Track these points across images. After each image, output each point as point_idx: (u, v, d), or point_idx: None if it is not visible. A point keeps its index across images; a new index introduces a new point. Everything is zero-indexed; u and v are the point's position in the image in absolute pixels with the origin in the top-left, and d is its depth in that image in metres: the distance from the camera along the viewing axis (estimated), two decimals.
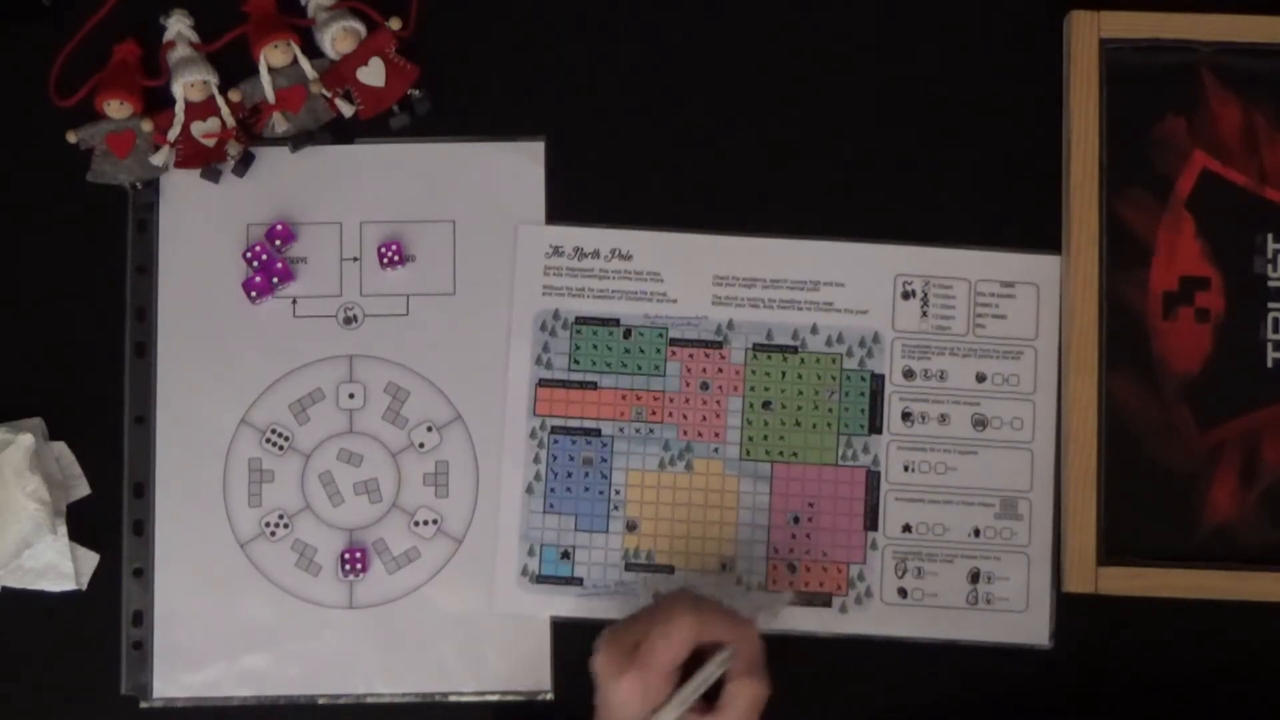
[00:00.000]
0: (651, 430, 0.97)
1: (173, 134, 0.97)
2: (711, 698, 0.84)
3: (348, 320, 0.98)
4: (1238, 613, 0.95)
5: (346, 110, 0.98)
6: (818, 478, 0.96)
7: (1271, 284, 0.96)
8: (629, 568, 0.96)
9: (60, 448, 0.97)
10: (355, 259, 0.99)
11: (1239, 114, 0.97)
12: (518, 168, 0.99)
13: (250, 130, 0.98)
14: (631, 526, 0.96)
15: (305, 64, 0.98)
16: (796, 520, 0.96)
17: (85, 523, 0.96)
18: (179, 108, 0.97)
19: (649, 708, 0.82)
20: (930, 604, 0.96)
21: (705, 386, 0.97)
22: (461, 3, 1.00)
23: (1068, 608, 0.95)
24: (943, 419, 0.97)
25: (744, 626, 0.85)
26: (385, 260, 0.97)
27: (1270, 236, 0.96)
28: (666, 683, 0.83)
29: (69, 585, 0.95)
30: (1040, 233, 0.98)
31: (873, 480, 0.96)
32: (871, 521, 0.96)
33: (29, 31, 0.99)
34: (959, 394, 0.97)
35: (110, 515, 0.97)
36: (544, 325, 0.98)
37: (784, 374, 0.97)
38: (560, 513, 0.96)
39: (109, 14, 0.99)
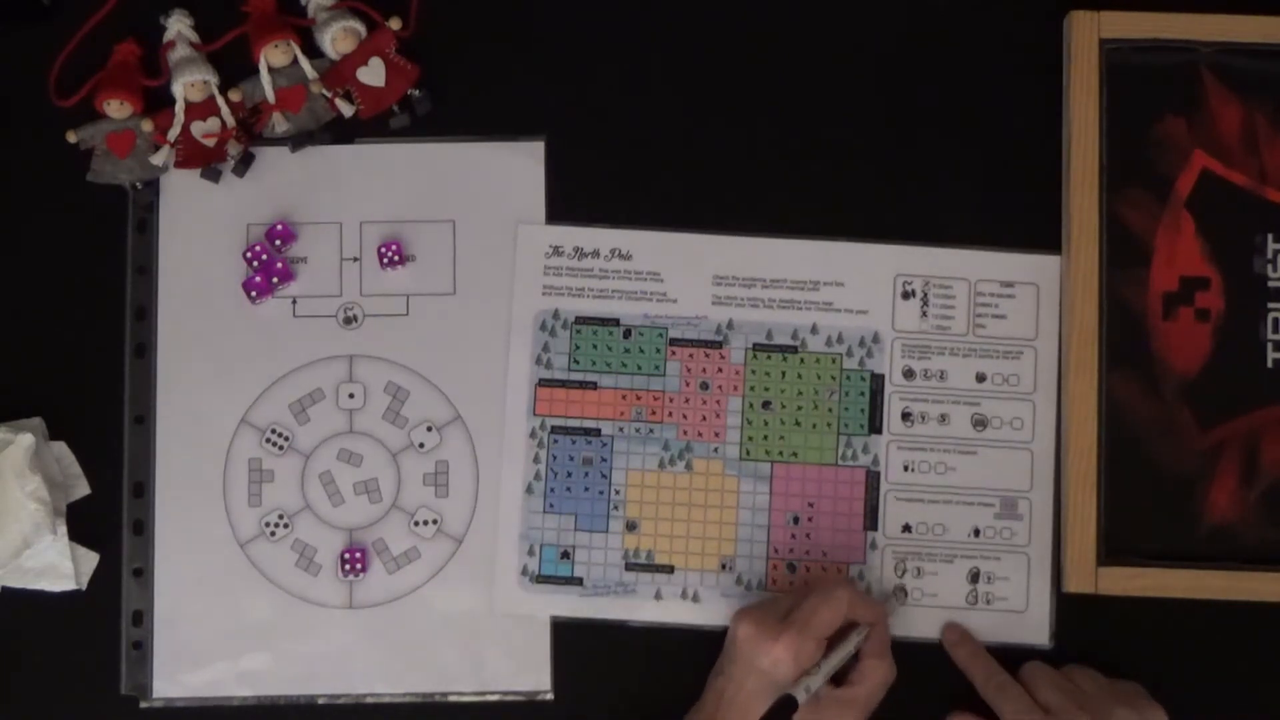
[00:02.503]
0: (651, 430, 0.97)
1: (173, 134, 0.97)
2: (835, 678, 0.89)
3: (348, 320, 0.98)
4: (1238, 613, 0.95)
5: (346, 110, 0.98)
6: (818, 478, 0.96)
7: (1271, 284, 0.96)
8: (629, 568, 0.96)
9: (60, 448, 0.97)
10: (355, 259, 0.99)
11: (1239, 114, 0.96)
12: (518, 168, 0.99)
13: (250, 130, 0.98)
14: (631, 526, 0.96)
15: (305, 64, 0.98)
16: (796, 520, 0.96)
17: (85, 523, 0.96)
18: (179, 108, 0.97)
19: (799, 670, 0.87)
20: (930, 604, 0.96)
21: (705, 386, 0.97)
22: (461, 3, 1.00)
23: (1068, 608, 0.95)
24: (943, 419, 0.97)
25: (880, 610, 0.91)
26: (385, 260, 0.97)
27: (1270, 236, 0.96)
28: (818, 649, 0.88)
29: (69, 585, 0.95)
30: (1040, 233, 0.98)
31: (872, 480, 0.96)
32: (871, 521, 0.96)
33: (29, 31, 0.99)
34: (959, 394, 0.97)
35: (110, 515, 0.97)
36: (544, 325, 0.98)
37: (784, 374, 0.97)
38: (560, 513, 0.96)
39: (109, 14, 0.99)
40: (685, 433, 0.97)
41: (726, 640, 0.91)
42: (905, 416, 0.97)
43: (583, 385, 0.97)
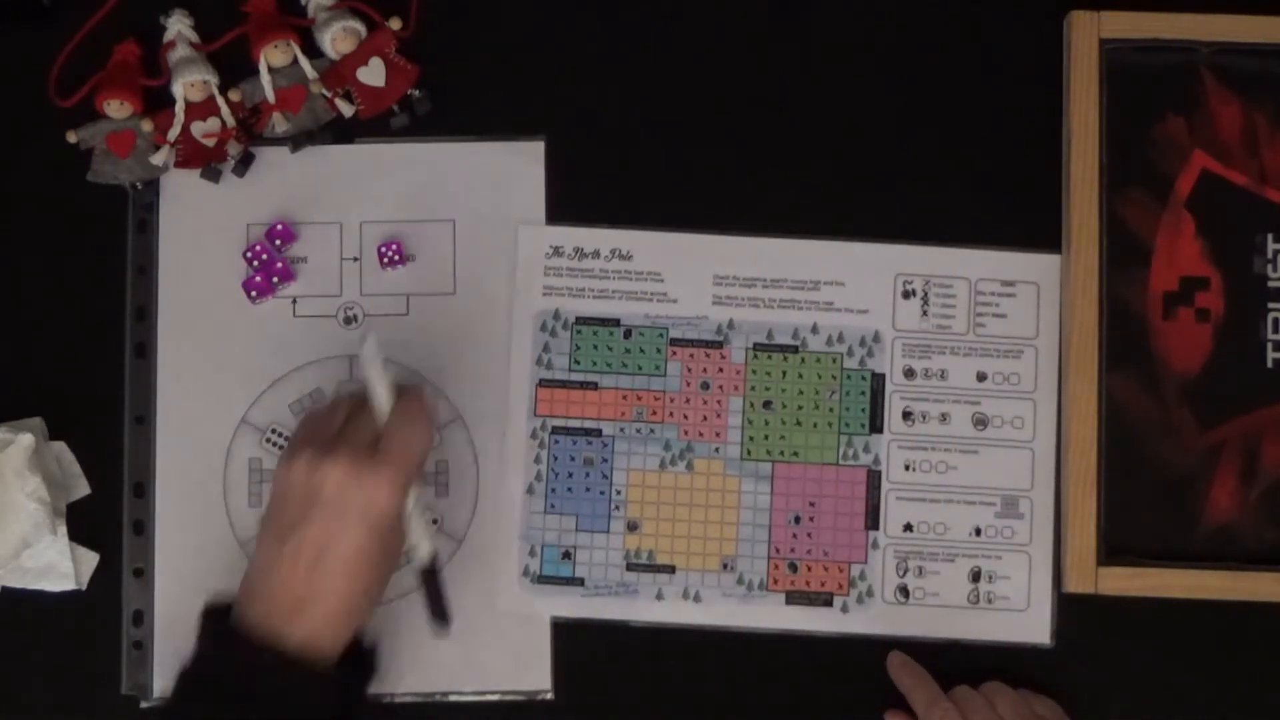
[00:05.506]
0: (652, 430, 0.97)
1: (173, 134, 0.97)
2: None
3: (348, 320, 0.98)
4: (1238, 613, 0.95)
5: (346, 110, 0.98)
6: (819, 477, 0.96)
7: (1271, 284, 0.96)
8: (630, 568, 0.96)
9: (60, 448, 0.96)
10: (355, 259, 0.98)
11: (1239, 114, 0.97)
12: (518, 168, 0.99)
13: (250, 130, 0.98)
14: (632, 527, 0.96)
15: (305, 64, 0.98)
16: (797, 520, 0.96)
17: (85, 523, 0.96)
18: (179, 108, 0.97)
19: (396, 512, 0.84)
20: (931, 603, 0.96)
21: (706, 386, 0.97)
22: (461, 3, 1.00)
23: (1068, 607, 0.95)
24: (943, 418, 0.97)
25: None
26: (385, 260, 0.97)
27: (1270, 236, 0.96)
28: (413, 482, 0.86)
29: (69, 585, 0.95)
30: (1040, 232, 0.98)
31: (874, 480, 0.96)
32: (873, 521, 0.96)
33: (29, 31, 0.99)
34: (960, 393, 0.97)
35: (110, 515, 0.97)
36: (544, 325, 0.98)
37: (784, 374, 0.97)
38: (561, 513, 0.96)
39: (109, 14, 0.99)
40: (686, 433, 0.97)
41: (284, 489, 0.83)
42: (906, 416, 0.97)
43: (583, 386, 0.97)
